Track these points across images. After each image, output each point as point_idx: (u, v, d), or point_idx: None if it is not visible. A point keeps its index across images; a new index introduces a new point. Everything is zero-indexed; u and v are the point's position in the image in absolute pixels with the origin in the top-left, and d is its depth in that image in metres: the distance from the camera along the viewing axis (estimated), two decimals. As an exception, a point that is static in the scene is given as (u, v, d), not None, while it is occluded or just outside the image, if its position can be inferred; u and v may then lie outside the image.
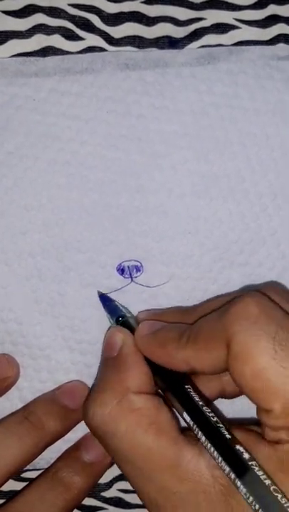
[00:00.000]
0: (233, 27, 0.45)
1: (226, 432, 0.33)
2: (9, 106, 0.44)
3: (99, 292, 0.44)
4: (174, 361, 0.36)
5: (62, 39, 0.45)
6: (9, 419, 0.42)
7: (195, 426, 0.34)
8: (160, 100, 0.44)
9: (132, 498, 0.47)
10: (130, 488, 0.46)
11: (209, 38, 0.45)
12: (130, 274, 0.44)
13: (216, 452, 0.32)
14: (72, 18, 0.45)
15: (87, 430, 0.44)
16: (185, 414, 0.35)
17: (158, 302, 0.44)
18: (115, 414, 0.35)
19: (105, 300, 0.44)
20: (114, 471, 0.47)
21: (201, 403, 0.35)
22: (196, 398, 0.35)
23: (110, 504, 0.47)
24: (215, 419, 0.34)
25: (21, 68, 0.44)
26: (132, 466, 0.34)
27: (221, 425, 0.34)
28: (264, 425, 0.33)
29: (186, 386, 0.36)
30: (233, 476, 0.31)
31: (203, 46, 0.45)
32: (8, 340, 0.44)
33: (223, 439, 0.33)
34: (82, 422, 0.44)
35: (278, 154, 0.44)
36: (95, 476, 0.43)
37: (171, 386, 0.37)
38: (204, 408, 0.35)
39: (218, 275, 0.44)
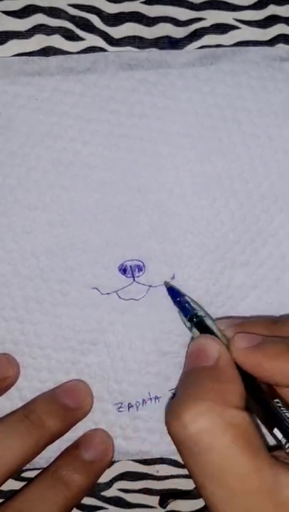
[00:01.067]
0: (233, 27, 0.45)
1: None
2: (12, 105, 0.44)
3: (167, 284, 0.43)
4: (285, 374, 0.34)
5: (62, 39, 0.45)
6: (9, 418, 0.42)
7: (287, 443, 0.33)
8: (163, 100, 0.44)
9: (132, 498, 0.47)
10: (130, 487, 0.46)
11: (209, 38, 0.45)
12: (132, 273, 0.44)
13: None
14: (72, 19, 0.45)
15: (87, 429, 0.44)
16: (276, 431, 0.34)
17: (160, 302, 0.44)
18: (214, 427, 0.32)
19: (175, 294, 0.43)
20: (114, 471, 0.47)
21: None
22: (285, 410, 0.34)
23: (110, 504, 0.47)
24: None
25: (24, 67, 0.44)
26: (222, 485, 0.32)
27: None
28: None
29: (276, 400, 0.35)
30: None
31: (203, 46, 0.45)
32: (9, 338, 0.44)
33: None
34: (82, 421, 0.44)
35: (281, 156, 0.44)
36: (95, 474, 0.43)
37: (261, 400, 0.35)
38: None
39: (219, 275, 0.44)
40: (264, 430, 0.35)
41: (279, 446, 0.34)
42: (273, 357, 0.35)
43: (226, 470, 0.32)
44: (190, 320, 0.41)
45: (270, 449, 0.33)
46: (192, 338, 0.40)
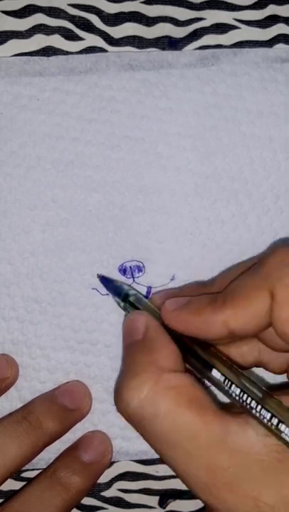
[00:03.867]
0: (232, 27, 0.45)
1: (258, 386, 0.33)
2: (13, 105, 0.44)
3: (99, 275, 0.44)
4: (211, 326, 0.34)
5: (62, 39, 0.45)
6: (8, 419, 0.42)
7: (228, 381, 0.34)
8: (164, 101, 0.44)
9: (132, 498, 0.47)
10: (130, 487, 0.46)
11: (209, 38, 0.45)
12: (132, 274, 0.44)
13: (254, 402, 0.32)
14: (72, 18, 0.45)
15: (86, 430, 0.44)
16: (214, 372, 0.34)
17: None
18: (153, 396, 0.33)
19: (106, 281, 0.43)
20: (114, 471, 0.47)
21: (229, 362, 0.35)
22: (224, 358, 0.35)
23: (110, 504, 0.47)
24: (246, 375, 0.34)
25: (25, 67, 0.44)
26: (176, 449, 0.32)
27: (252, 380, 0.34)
28: None
29: (212, 349, 0.36)
30: (282, 426, 0.31)
31: (203, 46, 0.45)
32: (8, 338, 0.44)
33: (261, 391, 0.33)
34: (81, 422, 0.44)
35: (281, 157, 0.44)
36: (94, 476, 0.43)
37: (200, 355, 0.36)
38: (235, 367, 0.34)
39: (219, 276, 0.44)
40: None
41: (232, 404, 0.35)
42: (197, 312, 0.35)
43: (176, 432, 0.32)
44: (123, 300, 0.41)
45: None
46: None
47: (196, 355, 0.36)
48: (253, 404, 0.32)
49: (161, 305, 0.38)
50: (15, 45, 0.44)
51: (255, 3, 0.45)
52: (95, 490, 0.47)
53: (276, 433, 0.31)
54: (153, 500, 0.47)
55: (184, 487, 0.45)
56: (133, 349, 0.37)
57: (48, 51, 0.45)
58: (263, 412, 0.31)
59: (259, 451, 0.31)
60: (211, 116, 0.44)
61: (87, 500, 0.47)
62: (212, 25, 0.45)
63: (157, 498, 0.47)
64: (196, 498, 0.46)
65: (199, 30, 0.45)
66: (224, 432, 0.32)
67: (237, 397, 0.33)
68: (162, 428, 0.33)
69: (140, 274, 0.44)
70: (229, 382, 0.34)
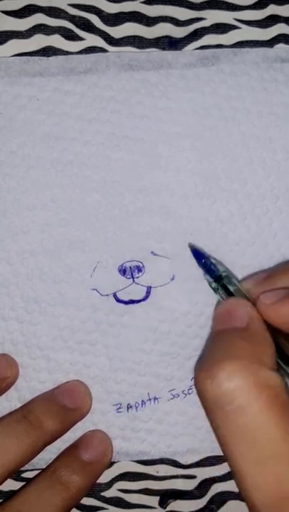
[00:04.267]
0: (233, 27, 0.45)
1: None
2: (13, 105, 0.44)
3: (191, 246, 0.43)
4: None
5: (62, 39, 0.45)
6: (8, 418, 0.42)
7: None
8: (164, 101, 0.44)
9: (132, 498, 0.47)
10: (130, 488, 0.46)
11: (209, 38, 0.45)
12: (132, 274, 0.44)
13: None
14: (72, 18, 0.45)
15: (86, 430, 0.44)
16: None
17: (159, 303, 0.44)
18: (250, 387, 0.30)
19: (199, 255, 0.42)
20: (114, 471, 0.47)
21: None
22: None
23: (110, 504, 0.47)
24: None
25: (25, 68, 0.44)
26: (252, 449, 0.30)
27: None
28: None
29: None
30: None
31: (203, 46, 0.45)
32: (8, 339, 0.44)
33: None
34: (81, 422, 0.44)
35: (281, 157, 0.44)
36: (94, 475, 0.43)
37: None
38: None
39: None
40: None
41: None
42: None
43: (260, 432, 0.30)
44: (216, 281, 0.40)
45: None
46: (218, 301, 0.40)
47: (286, 356, 0.35)
48: None
49: (251, 291, 0.37)
50: (15, 45, 0.44)
51: (256, 3, 0.45)
52: (95, 490, 0.47)
53: None
54: (153, 501, 0.47)
55: (184, 487, 0.46)
56: (234, 334, 0.34)
57: (48, 51, 0.44)
58: None
59: None
60: (211, 117, 0.44)
61: (88, 501, 0.47)
62: (212, 25, 0.45)
63: (157, 498, 0.47)
64: (195, 499, 0.46)
65: (199, 30, 0.45)
66: None
67: None
68: (246, 423, 0.30)
69: (140, 274, 0.44)
70: None
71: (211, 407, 0.31)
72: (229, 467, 0.31)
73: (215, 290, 0.40)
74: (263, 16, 0.45)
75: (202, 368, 0.32)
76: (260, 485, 0.30)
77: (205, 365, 0.32)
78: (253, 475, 0.30)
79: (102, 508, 0.47)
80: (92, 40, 0.45)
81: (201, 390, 0.32)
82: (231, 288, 0.39)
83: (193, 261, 0.43)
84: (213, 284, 0.40)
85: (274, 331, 0.35)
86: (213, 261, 0.41)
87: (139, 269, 0.44)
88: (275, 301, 0.35)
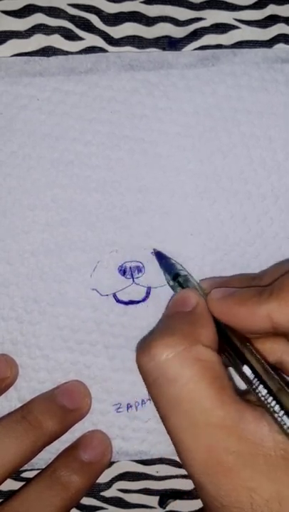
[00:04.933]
0: (232, 27, 0.45)
1: (286, 387, 0.33)
2: (13, 105, 0.44)
3: (155, 250, 0.44)
4: (255, 318, 0.35)
5: (62, 39, 0.45)
6: (7, 418, 0.42)
7: (255, 379, 0.34)
8: (164, 101, 0.44)
9: (132, 498, 0.47)
10: (130, 487, 0.46)
11: (209, 38, 0.45)
12: (132, 274, 0.44)
13: (277, 406, 0.32)
14: (72, 18, 0.45)
15: (86, 430, 0.44)
16: (246, 368, 0.34)
17: (159, 303, 0.44)
18: (181, 360, 0.33)
19: (161, 257, 0.43)
20: (114, 471, 0.47)
21: (263, 361, 0.35)
22: (258, 357, 0.35)
23: (110, 504, 0.47)
24: (276, 377, 0.34)
25: (26, 68, 0.44)
26: (186, 418, 0.33)
27: (282, 383, 0.34)
28: None
29: (248, 345, 0.36)
30: None
31: (203, 46, 0.45)
32: (7, 339, 0.44)
33: (285, 393, 0.33)
34: (81, 422, 0.44)
35: (281, 157, 0.44)
36: (93, 475, 0.43)
37: (236, 347, 0.36)
38: (266, 366, 0.35)
39: (219, 277, 0.44)
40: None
41: (247, 392, 0.35)
42: (243, 302, 0.36)
43: (191, 402, 0.32)
44: (174, 279, 0.41)
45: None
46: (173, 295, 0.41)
47: (231, 344, 0.36)
48: (273, 403, 0.33)
49: (206, 291, 0.39)
50: (15, 45, 0.45)
51: (255, 3, 0.45)
52: (94, 490, 0.47)
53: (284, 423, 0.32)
54: (153, 501, 0.47)
55: (183, 487, 0.46)
56: (178, 316, 0.38)
57: (47, 51, 0.45)
58: (281, 413, 0.32)
59: (268, 445, 0.32)
60: (211, 117, 0.44)
61: (87, 500, 0.47)
62: (212, 25, 0.45)
63: (157, 498, 0.47)
64: (195, 499, 0.46)
65: (199, 30, 0.45)
66: (239, 418, 0.32)
67: (259, 393, 0.33)
68: (179, 393, 0.33)
69: (140, 274, 0.44)
70: (255, 379, 0.34)
71: (147, 380, 0.34)
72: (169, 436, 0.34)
73: (173, 288, 0.42)
74: (263, 16, 0.45)
75: (140, 345, 0.36)
76: (193, 452, 0.32)
77: (143, 342, 0.36)
78: (187, 443, 0.33)
79: (102, 508, 0.47)
80: (91, 40, 0.45)
81: (138, 365, 0.35)
82: (186, 284, 0.41)
83: (193, 261, 0.44)
84: (171, 282, 0.42)
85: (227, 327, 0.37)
86: (172, 261, 0.43)
87: (139, 270, 0.44)
88: (221, 297, 0.37)
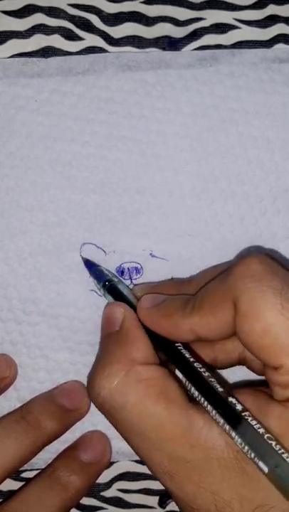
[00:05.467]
0: (232, 27, 0.45)
1: (218, 386, 0.34)
2: (11, 106, 0.44)
3: (83, 258, 0.44)
4: (179, 331, 0.36)
5: (62, 39, 0.45)
6: (6, 418, 0.43)
7: (188, 382, 0.35)
8: (162, 102, 0.44)
9: (132, 498, 0.47)
10: (130, 487, 0.46)
11: (209, 38, 0.45)
12: (130, 275, 0.44)
13: (209, 406, 0.33)
14: (71, 18, 0.45)
15: (85, 430, 0.44)
16: (177, 372, 0.35)
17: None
18: (123, 386, 0.35)
19: (90, 265, 0.43)
20: (113, 471, 0.47)
21: (192, 360, 0.36)
22: (188, 355, 0.36)
23: (110, 504, 0.47)
24: (207, 374, 0.35)
25: (23, 69, 0.44)
26: (142, 438, 0.34)
27: (213, 379, 0.34)
28: (273, 384, 0.33)
29: (178, 345, 0.37)
30: (227, 427, 0.32)
31: (202, 46, 0.45)
32: (7, 339, 0.44)
33: (216, 393, 0.33)
34: (80, 422, 0.44)
35: (279, 157, 0.44)
36: (93, 475, 0.43)
37: (170, 353, 0.37)
38: (196, 364, 0.35)
39: (217, 278, 0.44)
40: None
41: None
42: (168, 315, 0.36)
43: (142, 423, 0.34)
44: (103, 285, 0.42)
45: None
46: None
47: (165, 351, 0.37)
48: (209, 408, 0.33)
49: (140, 295, 0.40)
50: (14, 45, 0.44)
51: (255, 3, 0.45)
52: (94, 490, 0.47)
53: (218, 421, 0.33)
54: (152, 501, 0.47)
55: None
56: (108, 340, 0.39)
57: (47, 51, 0.45)
58: (217, 417, 0.33)
59: (220, 448, 0.32)
60: (209, 117, 0.44)
61: (87, 501, 0.47)
62: (212, 25, 0.45)
63: (157, 498, 0.47)
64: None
65: (199, 30, 0.45)
66: (189, 426, 0.33)
67: (194, 395, 0.34)
68: (130, 418, 0.34)
69: (138, 275, 0.44)
70: (189, 384, 0.35)
71: (102, 412, 0.37)
72: None
73: (104, 296, 0.42)
74: (263, 16, 0.45)
75: (87, 383, 0.38)
76: (156, 466, 0.34)
77: (88, 377, 0.38)
78: (149, 459, 0.35)
79: (102, 508, 0.47)
80: (91, 40, 0.45)
81: (92, 400, 0.37)
82: (118, 292, 0.41)
83: (192, 262, 0.44)
84: (101, 290, 0.42)
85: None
86: (101, 269, 0.43)
87: (138, 271, 0.44)
88: (149, 307, 0.38)
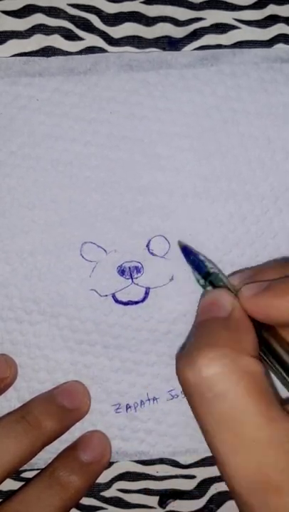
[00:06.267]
0: (232, 27, 0.45)
1: None
2: (13, 106, 0.44)
3: (181, 243, 0.43)
4: None
5: (62, 39, 0.45)
6: (6, 418, 0.43)
7: None
8: (163, 102, 0.44)
9: (132, 498, 0.47)
10: (130, 488, 0.46)
11: (209, 38, 0.45)
12: (131, 275, 0.44)
13: None
14: (71, 18, 0.45)
15: (85, 430, 0.44)
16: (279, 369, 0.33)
17: (158, 303, 0.44)
18: (229, 374, 0.31)
19: (188, 252, 0.42)
20: (113, 471, 0.47)
21: None
22: None
23: (110, 504, 0.47)
24: None
25: (25, 68, 0.44)
26: (232, 435, 0.31)
27: None
28: None
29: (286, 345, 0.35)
30: None
31: (202, 46, 0.45)
32: (7, 339, 0.44)
33: None
34: (80, 422, 0.44)
35: (280, 157, 0.44)
36: (93, 476, 0.43)
37: (278, 353, 0.35)
38: None
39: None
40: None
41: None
42: (281, 295, 0.34)
43: (240, 418, 0.31)
44: (204, 277, 0.40)
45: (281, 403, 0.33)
46: (203, 292, 0.39)
47: (269, 347, 0.35)
48: None
49: (238, 287, 0.37)
50: (14, 45, 0.44)
51: (255, 3, 0.45)
52: (94, 490, 0.47)
53: None
54: (153, 501, 0.47)
55: (183, 487, 0.46)
56: (216, 323, 0.35)
57: (47, 51, 0.44)
58: None
59: None
60: (210, 117, 0.44)
61: (87, 501, 0.47)
62: (212, 25, 0.45)
63: (157, 498, 0.47)
64: (195, 499, 0.46)
65: (199, 30, 0.45)
66: (287, 435, 0.30)
67: None
68: (226, 409, 0.31)
69: (139, 274, 0.44)
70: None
71: (191, 395, 0.32)
72: (211, 453, 0.32)
73: (203, 287, 0.40)
74: (263, 16, 0.45)
75: (183, 356, 0.33)
76: (241, 471, 0.30)
77: (186, 353, 0.33)
78: (234, 461, 0.31)
79: (102, 508, 0.47)
80: (91, 40, 0.45)
81: (181, 378, 0.32)
82: (218, 284, 0.39)
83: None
84: (201, 281, 0.40)
85: (259, 323, 0.35)
86: (201, 258, 0.41)
87: (138, 270, 0.44)
88: (255, 294, 0.35)
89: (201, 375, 0.31)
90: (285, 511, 0.29)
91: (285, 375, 0.34)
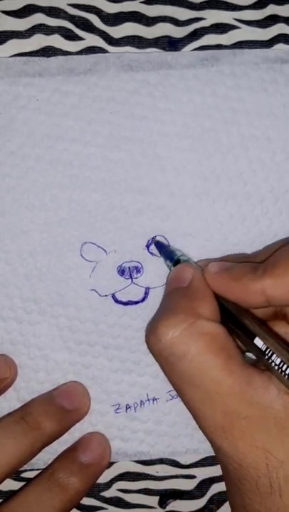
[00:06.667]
0: (232, 27, 0.45)
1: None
2: (12, 106, 0.44)
3: (154, 239, 0.44)
4: (249, 294, 0.35)
5: (62, 39, 0.45)
6: (6, 419, 0.43)
7: (269, 350, 0.34)
8: (163, 102, 0.44)
9: (132, 498, 0.47)
10: (130, 488, 0.46)
11: (209, 38, 0.45)
12: (130, 275, 0.44)
13: (274, 362, 0.33)
14: (71, 18, 0.45)
15: (85, 431, 0.44)
16: (257, 340, 0.35)
17: (157, 303, 0.44)
18: (186, 336, 0.35)
19: (161, 246, 0.44)
20: (113, 471, 0.47)
21: (264, 330, 0.36)
22: (259, 326, 0.36)
23: (110, 504, 0.47)
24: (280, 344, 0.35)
25: (25, 68, 0.44)
26: (198, 390, 0.34)
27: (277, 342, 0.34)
28: None
29: (248, 315, 0.37)
30: None
31: (202, 46, 0.45)
32: (7, 339, 0.44)
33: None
34: (80, 423, 0.44)
35: (280, 158, 0.44)
36: (92, 477, 0.43)
37: (235, 319, 0.37)
38: (268, 335, 0.35)
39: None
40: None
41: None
42: (237, 277, 0.36)
43: (201, 374, 0.34)
44: (175, 264, 0.42)
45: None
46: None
47: (228, 310, 0.37)
48: (278, 361, 0.33)
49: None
50: (14, 45, 0.44)
51: (255, 3, 0.45)
52: (94, 490, 0.47)
53: None
54: (153, 501, 0.47)
55: (183, 487, 0.46)
56: (176, 293, 0.39)
57: (47, 51, 0.44)
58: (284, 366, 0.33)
59: (277, 407, 0.33)
60: (210, 117, 0.44)
61: (87, 501, 0.47)
62: (212, 25, 0.45)
63: (157, 498, 0.47)
64: (195, 499, 0.46)
65: (199, 30, 0.45)
66: (247, 384, 0.33)
67: (262, 354, 0.34)
68: (189, 368, 0.34)
69: (139, 274, 0.44)
70: (268, 349, 0.34)
71: (158, 360, 0.36)
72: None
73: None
74: (263, 16, 0.45)
75: (148, 328, 0.37)
76: (210, 419, 0.34)
77: (149, 324, 0.38)
78: (203, 411, 0.34)
79: (102, 508, 0.47)
80: (91, 40, 0.45)
81: (149, 347, 0.36)
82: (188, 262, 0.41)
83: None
84: (172, 268, 0.42)
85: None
86: (172, 249, 0.43)
87: (138, 270, 0.44)
88: (217, 272, 0.38)
89: (161, 342, 0.35)
90: (251, 454, 0.33)
91: (246, 339, 0.36)
